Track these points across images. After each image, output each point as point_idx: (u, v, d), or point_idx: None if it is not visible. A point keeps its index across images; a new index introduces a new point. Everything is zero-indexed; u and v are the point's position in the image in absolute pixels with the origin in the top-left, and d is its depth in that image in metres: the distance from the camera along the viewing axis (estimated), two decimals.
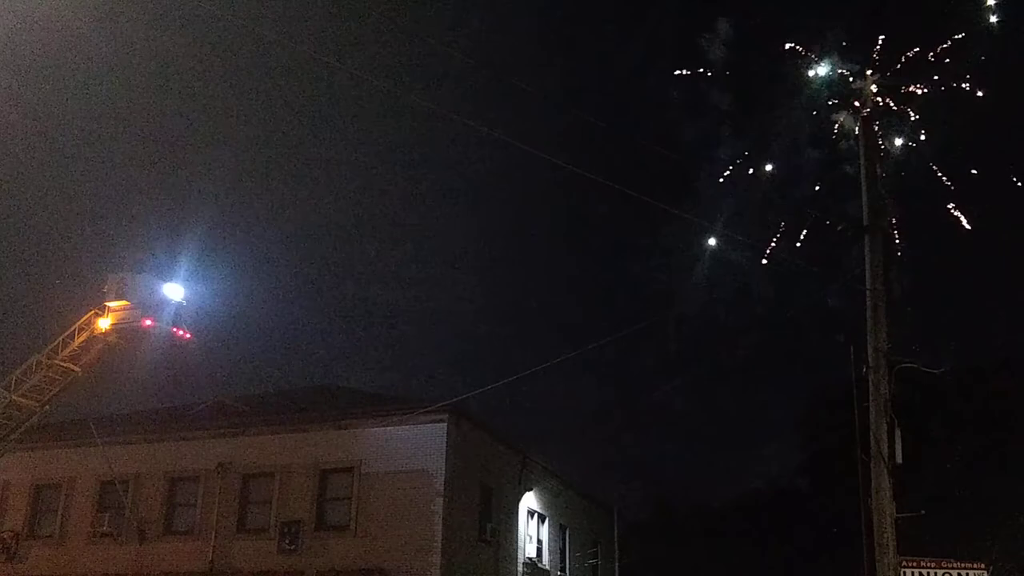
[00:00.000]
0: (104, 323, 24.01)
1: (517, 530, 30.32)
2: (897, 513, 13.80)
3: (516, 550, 30.08)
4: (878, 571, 13.79)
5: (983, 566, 16.54)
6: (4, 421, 24.15)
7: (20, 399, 23.93)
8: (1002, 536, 32.48)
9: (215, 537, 27.55)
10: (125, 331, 23.96)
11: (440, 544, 25.44)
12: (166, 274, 24.46)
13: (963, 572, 15.87)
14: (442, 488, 25.90)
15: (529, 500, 31.25)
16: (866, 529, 15.46)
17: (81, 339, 24.05)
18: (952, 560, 16.23)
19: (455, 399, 27.06)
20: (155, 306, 23.97)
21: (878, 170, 15.02)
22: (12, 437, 24.63)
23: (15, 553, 29.65)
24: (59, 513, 29.83)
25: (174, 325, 24.29)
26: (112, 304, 24.03)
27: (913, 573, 15.23)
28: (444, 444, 26.34)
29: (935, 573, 15.57)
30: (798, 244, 15.37)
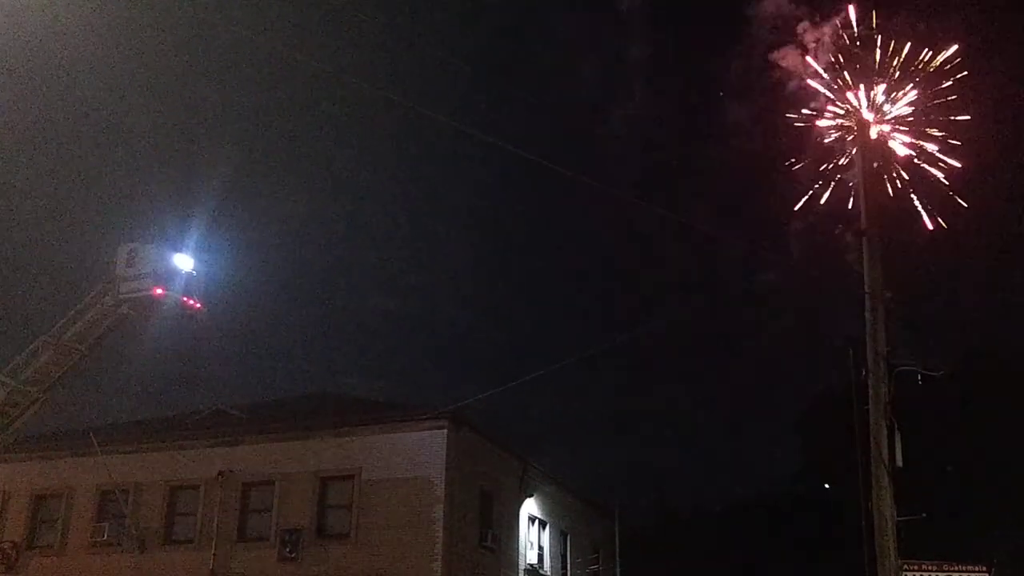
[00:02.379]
0: (115, 294, 23.99)
1: (518, 536, 30.28)
2: (898, 516, 13.79)
3: (517, 556, 30.04)
4: (880, 574, 13.77)
5: (984, 569, 16.56)
6: (8, 409, 23.93)
7: (22, 386, 23.75)
8: (1003, 538, 32.47)
9: (215, 546, 27.51)
10: (136, 301, 23.92)
11: (441, 551, 25.43)
12: (176, 245, 24.52)
13: (964, 574, 15.87)
14: (442, 495, 25.89)
15: (530, 506, 31.21)
16: (867, 532, 15.45)
17: (92, 313, 23.98)
18: (953, 563, 16.24)
19: (455, 405, 27.09)
20: (166, 276, 24.00)
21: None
22: (11, 429, 24.44)
23: (15, 563, 29.58)
24: (59, 523, 29.77)
25: (184, 295, 24.31)
26: (123, 274, 24.02)
27: None
28: (444, 451, 26.33)
29: None
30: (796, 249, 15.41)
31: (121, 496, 28.74)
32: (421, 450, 26.54)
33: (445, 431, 26.50)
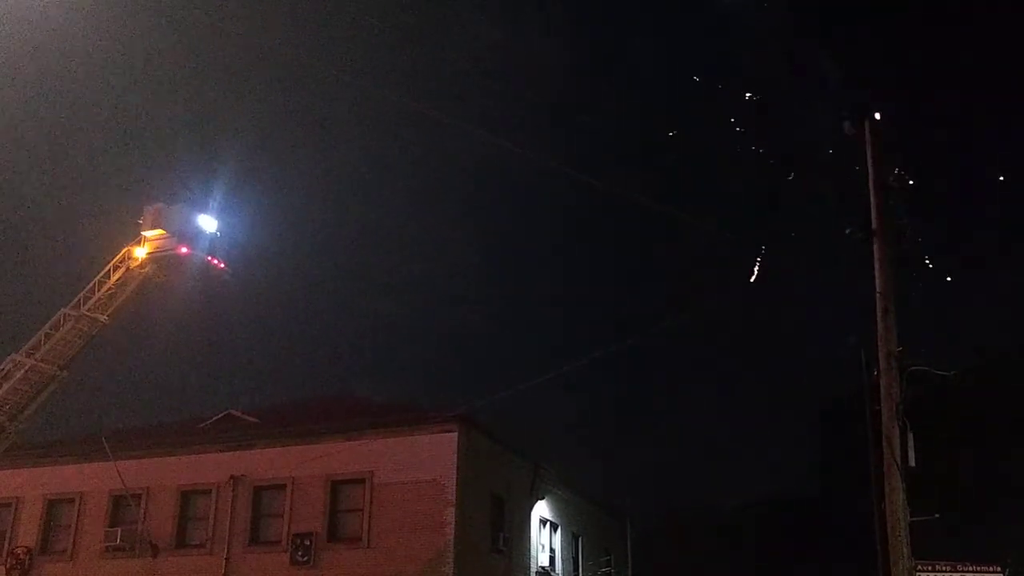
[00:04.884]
0: (140, 252, 24.02)
1: (529, 539, 30.26)
2: (911, 517, 13.71)
3: (529, 559, 30.01)
4: (893, 575, 13.70)
5: (998, 569, 16.50)
6: (24, 388, 23.74)
7: (40, 364, 23.58)
8: (1017, 539, 32.33)
9: (227, 550, 27.56)
10: (162, 260, 23.94)
11: (453, 554, 25.41)
12: (201, 207, 24.61)
13: (978, 575, 15.80)
14: (454, 498, 25.86)
15: (541, 509, 31.18)
16: (880, 533, 15.38)
17: (118, 275, 23.96)
18: (967, 563, 16.18)
19: (466, 409, 27.08)
20: (191, 235, 24.06)
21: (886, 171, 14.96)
22: (29, 411, 24.26)
23: (28, 569, 29.70)
24: (71, 528, 29.88)
25: (209, 254, 24.35)
26: (149, 234, 24.08)
27: None
28: (455, 454, 26.31)
29: None
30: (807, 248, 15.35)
31: (133, 501, 28.84)
32: (432, 453, 26.54)
33: (456, 434, 26.49)
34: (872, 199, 14.93)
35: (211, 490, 28.58)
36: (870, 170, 15.05)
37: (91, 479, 29.72)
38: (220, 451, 29.04)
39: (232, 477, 28.17)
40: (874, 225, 14.80)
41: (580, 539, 34.70)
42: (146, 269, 24.16)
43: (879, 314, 14.36)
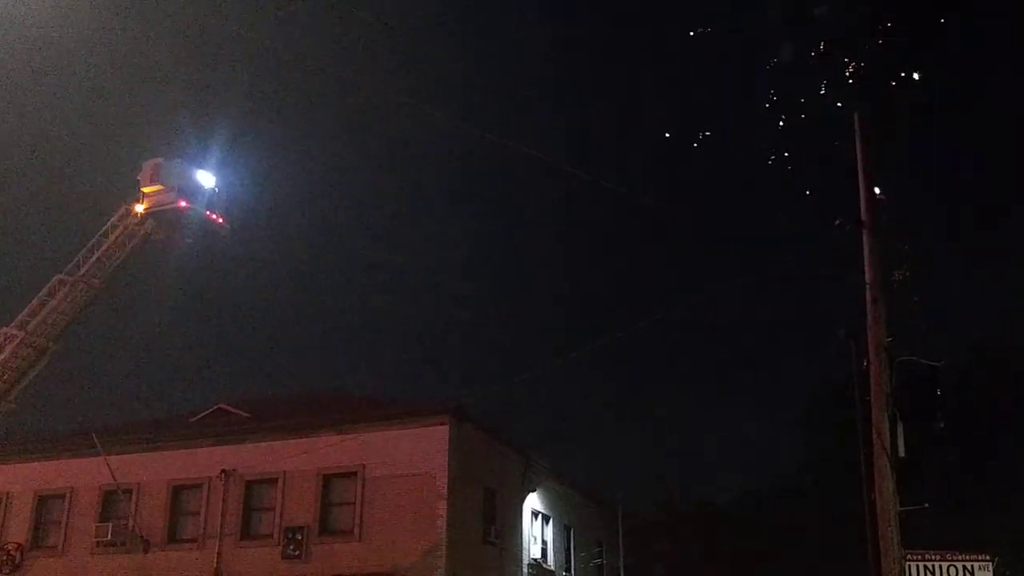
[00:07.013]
0: (140, 208, 23.79)
1: (521, 531, 30.30)
2: (901, 507, 13.76)
3: (521, 551, 30.06)
4: (883, 565, 13.75)
5: (988, 557, 16.51)
6: (16, 363, 23.45)
7: (31, 337, 23.26)
8: (1007, 527, 32.47)
9: (219, 544, 27.53)
10: (161, 215, 23.70)
11: (445, 547, 25.43)
12: (199, 162, 24.40)
13: (968, 564, 15.84)
14: (445, 491, 25.87)
15: (533, 501, 31.22)
16: (870, 523, 15.41)
17: (116, 234, 23.70)
18: (957, 552, 16.20)
19: (457, 401, 27.09)
20: (190, 190, 23.84)
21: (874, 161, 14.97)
22: (22, 384, 23.99)
23: (19, 564, 29.64)
24: (62, 523, 29.80)
25: (207, 209, 24.14)
26: (147, 189, 23.85)
27: (918, 566, 15.23)
28: (446, 447, 26.31)
29: (940, 566, 15.56)
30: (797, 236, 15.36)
31: (124, 496, 28.76)
32: (423, 446, 26.52)
33: (447, 427, 26.49)
34: (862, 190, 14.95)
35: (202, 484, 28.53)
36: (859, 160, 15.07)
37: (82, 474, 29.63)
38: (211, 445, 28.97)
39: (223, 471, 28.12)
40: (863, 215, 14.82)
41: (572, 531, 34.76)
42: (145, 225, 23.92)
43: (868, 304, 14.39)
